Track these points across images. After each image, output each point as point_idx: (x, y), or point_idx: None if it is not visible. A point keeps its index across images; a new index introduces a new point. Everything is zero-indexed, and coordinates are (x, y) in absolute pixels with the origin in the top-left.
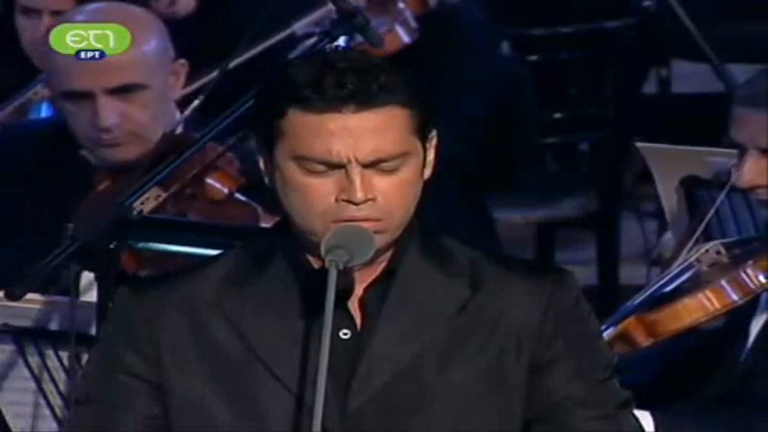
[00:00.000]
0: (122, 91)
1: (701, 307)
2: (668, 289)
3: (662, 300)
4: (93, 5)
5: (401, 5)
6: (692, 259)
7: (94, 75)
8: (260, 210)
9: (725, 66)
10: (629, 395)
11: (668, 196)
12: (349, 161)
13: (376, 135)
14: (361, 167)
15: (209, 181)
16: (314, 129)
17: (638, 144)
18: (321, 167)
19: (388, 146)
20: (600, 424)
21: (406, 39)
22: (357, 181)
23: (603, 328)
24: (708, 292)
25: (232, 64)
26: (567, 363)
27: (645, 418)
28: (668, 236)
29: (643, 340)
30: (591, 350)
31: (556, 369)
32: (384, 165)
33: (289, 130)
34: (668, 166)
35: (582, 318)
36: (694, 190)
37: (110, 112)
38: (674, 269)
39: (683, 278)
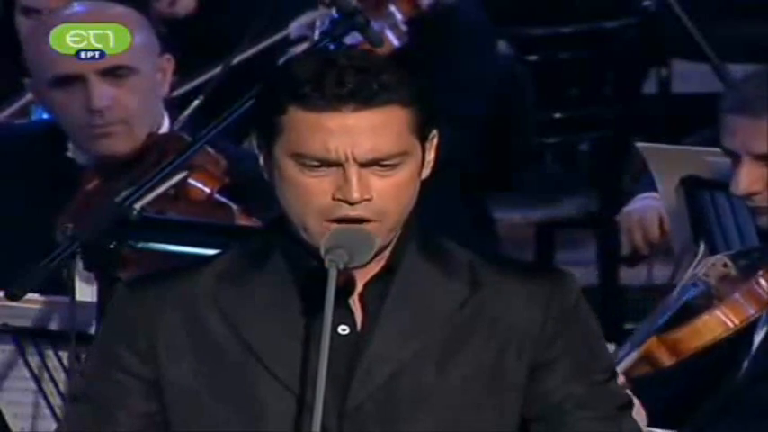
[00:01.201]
0: (114, 73)
1: (721, 323)
2: (682, 305)
3: (679, 318)
4: (93, 3)
5: (392, 9)
6: (699, 274)
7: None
8: (236, 211)
9: (725, 66)
10: (630, 397)
11: (668, 196)
12: (346, 159)
13: (375, 134)
14: (358, 166)
15: (192, 182)
16: (313, 127)
17: (638, 144)
18: (318, 165)
19: (386, 145)
20: (599, 425)
21: (395, 43)
22: (353, 180)
23: (626, 351)
24: (725, 309)
25: (231, 62)
26: (567, 364)
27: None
28: None
29: (666, 360)
30: (591, 351)
31: (555, 370)
32: (382, 164)
33: (288, 127)
34: (668, 166)
35: (582, 319)
36: (694, 190)
37: (103, 93)
38: (683, 284)
39: (694, 294)
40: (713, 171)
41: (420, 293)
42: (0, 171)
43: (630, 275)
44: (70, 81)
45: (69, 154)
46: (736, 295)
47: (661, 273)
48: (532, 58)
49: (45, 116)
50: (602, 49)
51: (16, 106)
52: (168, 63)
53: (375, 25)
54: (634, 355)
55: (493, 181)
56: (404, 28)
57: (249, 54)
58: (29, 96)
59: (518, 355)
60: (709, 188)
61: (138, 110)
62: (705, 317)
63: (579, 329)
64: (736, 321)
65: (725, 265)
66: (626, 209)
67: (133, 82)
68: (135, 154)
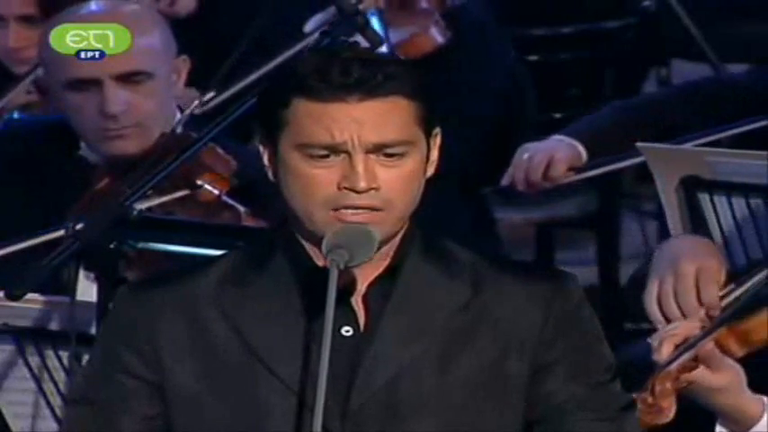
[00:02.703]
0: (129, 78)
1: None
2: (752, 298)
3: (750, 310)
4: (93, 4)
5: (424, 5)
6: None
7: (102, 62)
8: (244, 214)
9: (725, 66)
10: (631, 398)
11: (668, 196)
12: (352, 145)
13: (380, 123)
14: (364, 153)
15: (203, 185)
16: (318, 116)
17: (638, 144)
18: (324, 155)
19: (391, 133)
20: (601, 426)
21: (440, 39)
22: (360, 168)
23: (696, 341)
24: None
25: (253, 76)
26: (568, 365)
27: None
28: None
29: (737, 350)
30: (592, 353)
31: (557, 371)
32: (387, 151)
33: (293, 120)
34: (668, 166)
35: (583, 321)
36: (694, 190)
37: (118, 99)
38: (752, 283)
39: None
40: (713, 171)
41: (422, 295)
42: (10, 167)
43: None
44: (85, 84)
45: (81, 152)
46: None
47: None
48: (532, 58)
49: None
50: (602, 49)
51: (6, 99)
52: (184, 64)
53: (415, 25)
54: (707, 345)
55: (493, 181)
56: (443, 23)
57: (274, 65)
58: (2, 102)
59: (520, 357)
60: (709, 188)
61: (152, 112)
62: None
63: (580, 331)
64: None
65: None
66: (527, 144)
67: (149, 86)
68: (146, 154)
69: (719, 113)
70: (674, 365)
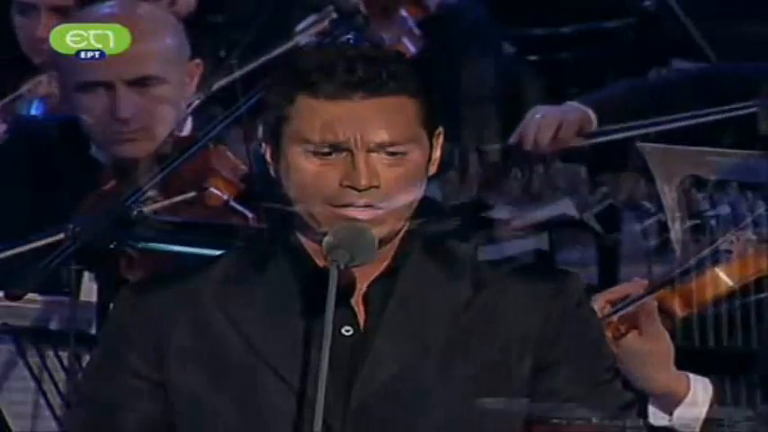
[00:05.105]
0: (142, 83)
1: (735, 273)
2: (697, 264)
3: (695, 272)
4: (106, 4)
5: (403, 14)
6: (722, 248)
7: (114, 65)
8: (251, 219)
9: None
10: (633, 397)
11: (668, 196)
12: (355, 144)
13: (383, 121)
14: (365, 152)
15: (211, 188)
16: (322, 113)
17: (638, 144)
18: (327, 152)
19: (394, 132)
20: None
21: (412, 49)
22: (361, 166)
23: (635, 299)
24: (740, 261)
25: (237, 74)
26: (570, 365)
27: (704, 383)
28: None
29: (679, 310)
30: (593, 352)
31: (558, 371)
32: (390, 150)
33: (296, 116)
34: (668, 165)
35: (584, 320)
36: (694, 190)
37: (129, 103)
38: (703, 254)
39: (713, 261)
40: (713, 171)
41: (423, 294)
42: (22, 166)
43: (630, 276)
44: (95, 87)
45: (92, 152)
46: (751, 251)
47: (661, 273)
48: (533, 58)
49: (33, 112)
50: (602, 49)
51: (5, 101)
52: (197, 68)
53: (390, 35)
54: (647, 302)
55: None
56: (417, 32)
57: (262, 61)
58: (19, 92)
59: (521, 356)
60: (709, 188)
61: (162, 116)
62: (717, 269)
63: (581, 331)
64: (753, 270)
65: (747, 240)
66: (540, 105)
67: (160, 91)
68: (154, 156)
69: (720, 101)
70: (615, 316)
